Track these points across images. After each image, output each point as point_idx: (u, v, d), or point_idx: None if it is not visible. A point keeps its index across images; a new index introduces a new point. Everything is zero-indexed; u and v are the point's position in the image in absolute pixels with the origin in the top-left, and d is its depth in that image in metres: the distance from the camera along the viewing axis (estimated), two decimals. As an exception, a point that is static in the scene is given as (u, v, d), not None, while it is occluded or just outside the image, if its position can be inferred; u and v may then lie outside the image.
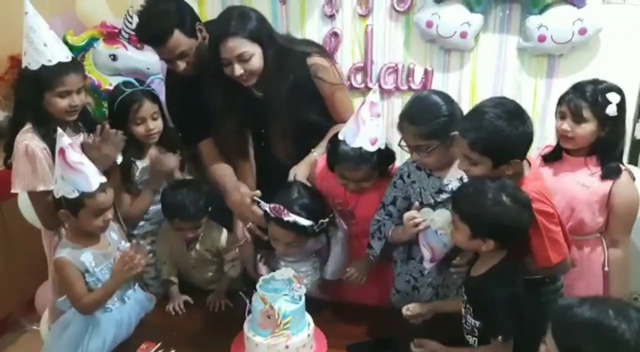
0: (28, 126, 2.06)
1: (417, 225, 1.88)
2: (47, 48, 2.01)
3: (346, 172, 1.99)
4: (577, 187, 2.00)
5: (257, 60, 2.05)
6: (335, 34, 2.81)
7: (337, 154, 1.97)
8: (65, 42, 2.50)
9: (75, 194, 1.83)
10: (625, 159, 2.23)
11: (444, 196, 1.92)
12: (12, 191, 2.08)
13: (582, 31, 2.47)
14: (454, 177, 1.93)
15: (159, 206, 2.25)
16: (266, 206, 1.96)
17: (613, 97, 1.92)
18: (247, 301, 1.83)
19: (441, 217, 1.87)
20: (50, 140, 2.03)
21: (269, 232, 2.04)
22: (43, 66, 2.01)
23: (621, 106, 1.95)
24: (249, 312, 1.83)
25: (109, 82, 2.62)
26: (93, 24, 2.60)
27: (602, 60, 2.55)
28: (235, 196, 2.18)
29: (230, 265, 2.24)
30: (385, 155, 2.03)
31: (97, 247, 1.95)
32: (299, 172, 2.14)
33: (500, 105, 1.71)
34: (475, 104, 1.81)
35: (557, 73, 2.64)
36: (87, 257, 1.90)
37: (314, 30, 2.82)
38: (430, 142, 1.83)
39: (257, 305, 1.76)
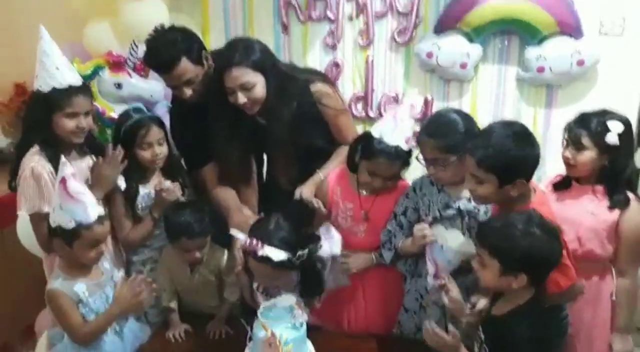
0: (35, 148, 2.08)
1: (425, 237, 1.92)
2: (58, 71, 2.06)
3: (380, 168, 2.03)
4: (584, 215, 1.99)
5: (260, 89, 2.09)
6: (336, 64, 2.88)
7: (373, 150, 2.00)
8: (71, 71, 2.56)
9: (72, 224, 1.80)
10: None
11: (449, 212, 1.98)
12: (18, 212, 2.09)
13: (580, 62, 2.53)
14: (463, 196, 1.97)
15: (158, 232, 2.26)
16: (241, 240, 1.90)
17: (614, 126, 1.92)
18: (248, 328, 1.81)
19: (450, 235, 1.90)
20: (56, 163, 2.00)
21: (252, 269, 1.95)
22: (54, 88, 2.05)
23: (625, 136, 1.94)
24: (250, 339, 1.81)
25: (114, 110, 2.65)
26: (99, 54, 2.64)
27: (600, 90, 2.60)
28: (239, 217, 2.19)
29: (231, 290, 2.23)
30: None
31: (90, 277, 1.91)
32: (305, 190, 2.16)
33: (509, 126, 1.76)
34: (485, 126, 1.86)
35: (556, 103, 2.69)
36: (80, 287, 1.86)
37: (315, 60, 2.89)
38: (447, 156, 1.89)
39: (258, 332, 1.73)
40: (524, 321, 1.62)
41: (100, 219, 1.85)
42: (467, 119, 1.95)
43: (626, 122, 1.96)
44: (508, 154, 1.68)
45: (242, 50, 2.07)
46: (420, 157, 1.98)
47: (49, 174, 2.05)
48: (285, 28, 2.87)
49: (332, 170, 2.22)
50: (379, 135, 2.01)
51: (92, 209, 1.84)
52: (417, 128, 2.10)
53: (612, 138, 1.92)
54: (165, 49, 2.12)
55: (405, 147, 2.00)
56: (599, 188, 2.00)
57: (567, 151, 2.01)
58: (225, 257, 2.26)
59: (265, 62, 2.10)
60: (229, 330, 2.16)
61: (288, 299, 1.84)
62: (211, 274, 2.24)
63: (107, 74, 2.61)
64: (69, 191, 1.78)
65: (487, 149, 1.70)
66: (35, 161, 2.05)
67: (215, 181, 2.33)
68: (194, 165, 2.38)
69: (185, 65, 2.13)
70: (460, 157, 1.86)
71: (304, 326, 1.78)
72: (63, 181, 1.78)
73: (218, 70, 2.11)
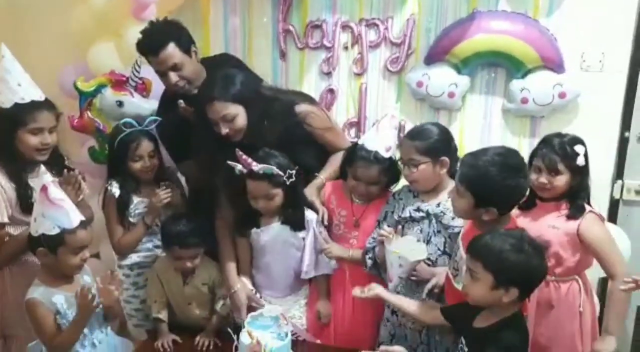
0: None
1: (382, 235, 2.04)
2: (20, 88, 2.11)
3: (359, 170, 2.20)
4: (548, 230, 2.09)
5: (241, 119, 2.20)
6: (331, 91, 2.97)
7: (355, 154, 2.21)
8: (76, 88, 2.65)
9: (56, 231, 1.82)
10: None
11: (419, 214, 2.13)
12: None
13: (562, 95, 2.64)
14: (433, 202, 2.13)
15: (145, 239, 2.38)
16: (237, 165, 2.12)
17: (580, 149, 2.06)
18: (235, 338, 1.88)
19: (401, 239, 2.04)
20: (18, 180, 2.08)
21: (248, 191, 2.17)
22: (16, 104, 2.08)
23: (586, 155, 2.09)
24: (236, 348, 1.87)
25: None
26: (102, 73, 2.73)
27: (580, 122, 2.70)
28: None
29: (222, 303, 2.29)
30: (394, 171, 2.25)
31: (69, 289, 1.91)
32: (308, 192, 2.31)
33: (501, 155, 1.83)
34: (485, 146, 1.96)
35: (539, 133, 2.77)
36: (59, 299, 1.86)
37: (311, 86, 2.98)
38: (422, 159, 2.06)
39: (244, 340, 1.81)
40: (507, 332, 1.67)
41: (83, 224, 1.88)
42: (447, 132, 2.16)
43: (583, 142, 2.10)
44: (488, 180, 1.77)
45: (221, 84, 2.19)
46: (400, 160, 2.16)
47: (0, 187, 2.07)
48: (283, 54, 2.98)
49: (330, 175, 2.37)
50: (362, 142, 2.22)
51: (74, 214, 1.87)
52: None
53: (581, 160, 2.06)
54: (156, 33, 2.30)
55: (385, 154, 2.17)
56: (561, 204, 2.11)
57: (543, 177, 2.09)
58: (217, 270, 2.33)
59: (245, 93, 2.21)
60: (217, 341, 2.22)
61: (274, 310, 1.91)
62: (203, 286, 2.31)
63: (109, 92, 2.68)
64: (50, 197, 1.81)
65: (472, 168, 1.80)
66: None
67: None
68: (179, 158, 2.49)
69: (173, 50, 2.30)
70: (434, 161, 2.05)
71: (289, 336, 1.86)
72: (44, 188, 1.81)
73: (200, 103, 2.23)
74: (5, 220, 2.10)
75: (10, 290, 2.19)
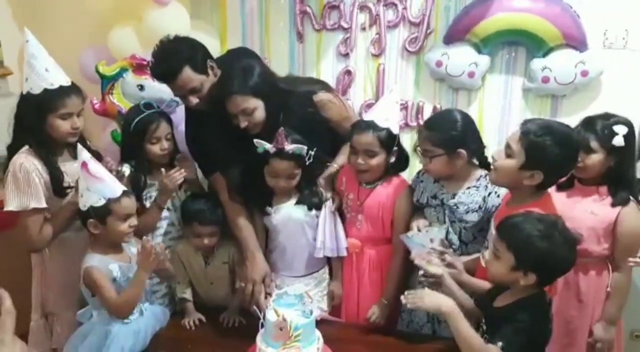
0: (25, 148, 2.13)
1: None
2: (48, 73, 2.10)
3: (354, 138, 2.20)
4: (585, 215, 2.08)
5: (260, 112, 2.20)
6: (348, 72, 2.96)
7: (354, 125, 2.26)
8: (97, 71, 2.67)
9: (102, 202, 1.94)
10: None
11: (435, 202, 2.16)
12: (5, 209, 2.10)
13: (584, 73, 2.61)
14: (450, 191, 2.14)
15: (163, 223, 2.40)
16: (266, 144, 2.15)
17: (619, 129, 2.02)
18: (260, 315, 1.91)
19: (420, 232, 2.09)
20: (49, 163, 2.11)
21: (268, 172, 2.21)
22: (45, 90, 2.09)
23: (629, 138, 2.04)
24: (262, 325, 1.90)
25: (135, 110, 2.75)
26: (123, 56, 2.75)
27: (603, 101, 2.67)
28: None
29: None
30: (400, 154, 2.26)
31: (121, 259, 2.04)
32: (320, 180, 2.35)
33: (563, 126, 1.89)
34: None
35: (560, 113, 2.77)
36: (114, 267, 1.98)
37: (328, 68, 2.98)
38: (435, 150, 2.04)
39: (270, 317, 1.83)
40: (520, 313, 1.68)
41: (125, 193, 1.99)
42: (468, 121, 2.09)
43: (629, 124, 2.06)
44: (542, 141, 1.79)
45: (240, 76, 2.17)
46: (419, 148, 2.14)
47: (36, 171, 2.09)
48: (300, 36, 2.97)
49: (343, 163, 2.38)
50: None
51: (116, 184, 1.99)
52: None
53: (618, 140, 2.01)
54: (169, 58, 2.20)
55: (381, 124, 2.17)
56: (603, 189, 2.09)
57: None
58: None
59: (264, 86, 2.20)
60: (241, 319, 2.26)
61: (299, 288, 1.94)
62: (224, 265, 2.36)
63: (130, 76, 2.70)
64: (91, 172, 1.92)
65: (533, 125, 1.83)
66: (23, 158, 2.09)
67: (226, 190, 2.37)
68: (208, 171, 2.47)
69: (189, 74, 2.20)
70: (449, 152, 2.01)
71: (314, 314, 1.88)
72: (84, 164, 1.92)
73: (219, 96, 2.21)
74: (44, 205, 2.12)
75: (50, 269, 2.26)
